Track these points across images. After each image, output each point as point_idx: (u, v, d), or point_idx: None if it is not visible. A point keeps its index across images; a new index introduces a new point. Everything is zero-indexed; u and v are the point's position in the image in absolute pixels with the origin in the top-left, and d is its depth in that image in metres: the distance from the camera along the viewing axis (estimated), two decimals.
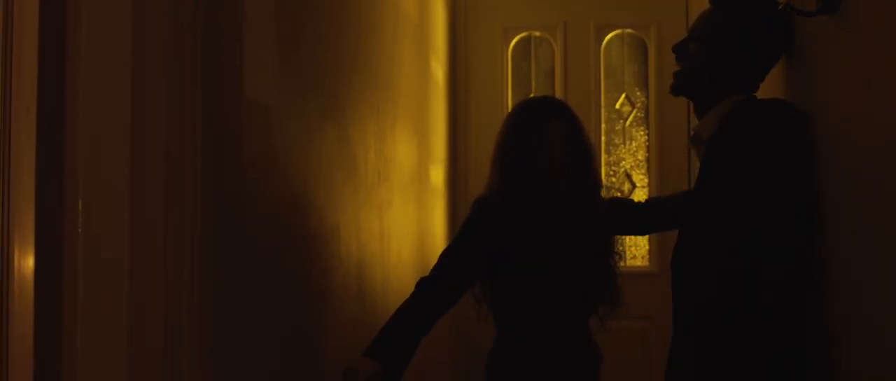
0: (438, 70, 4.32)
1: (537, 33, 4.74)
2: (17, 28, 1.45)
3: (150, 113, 1.35)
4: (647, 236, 4.56)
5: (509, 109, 2.87)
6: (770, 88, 2.54)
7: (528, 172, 2.38)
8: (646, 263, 4.60)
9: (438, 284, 2.29)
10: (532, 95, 2.78)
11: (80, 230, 1.37)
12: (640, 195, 4.64)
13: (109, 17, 1.34)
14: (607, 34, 4.70)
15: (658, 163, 4.59)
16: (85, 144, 1.36)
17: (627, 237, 4.59)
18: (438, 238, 4.19)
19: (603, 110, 4.68)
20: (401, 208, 3.24)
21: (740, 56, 2.09)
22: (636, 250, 4.64)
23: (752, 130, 1.96)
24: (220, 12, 1.48)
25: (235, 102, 1.60)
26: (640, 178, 4.67)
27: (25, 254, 1.41)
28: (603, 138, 4.64)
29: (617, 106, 4.72)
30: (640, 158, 4.69)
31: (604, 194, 2.54)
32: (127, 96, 1.34)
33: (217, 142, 1.49)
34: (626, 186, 4.63)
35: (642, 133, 4.69)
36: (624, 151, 4.69)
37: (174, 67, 1.37)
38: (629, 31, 4.71)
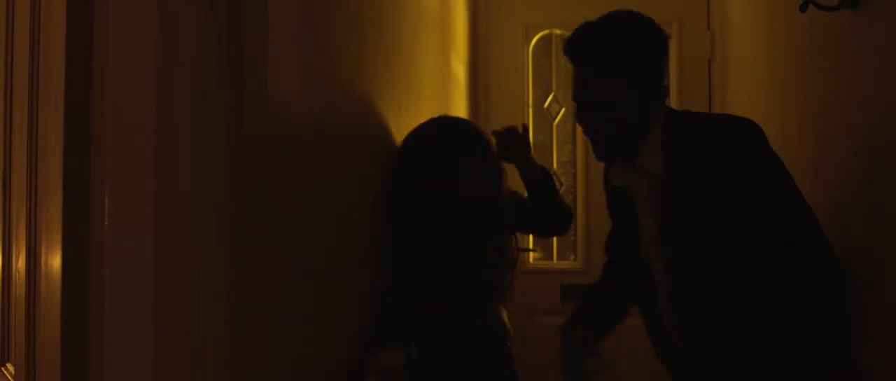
0: (459, 67, 4.32)
1: (558, 31, 4.73)
2: (44, 22, 1.46)
3: (176, 108, 1.36)
4: None
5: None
6: (789, 85, 2.53)
7: (447, 209, 2.51)
8: None
9: None
10: (447, 116, 2.93)
11: (106, 227, 1.38)
12: None
13: (136, 10, 1.35)
14: None
15: None
16: (112, 139, 1.36)
17: None
18: None
19: None
20: None
21: (662, 84, 2.04)
22: None
23: (742, 147, 1.91)
24: (245, 4, 1.49)
25: (260, 98, 1.61)
26: None
27: (53, 252, 1.42)
28: None
29: None
30: None
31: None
32: (153, 91, 1.34)
33: (241, 139, 1.50)
34: None
35: None
36: None
37: (200, 62, 1.37)
38: None
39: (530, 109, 4.76)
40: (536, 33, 4.76)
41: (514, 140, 2.66)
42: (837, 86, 1.99)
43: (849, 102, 1.90)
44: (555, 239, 4.66)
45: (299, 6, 1.86)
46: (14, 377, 1.70)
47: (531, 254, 4.62)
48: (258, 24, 1.58)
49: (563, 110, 4.72)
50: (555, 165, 4.70)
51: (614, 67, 1.98)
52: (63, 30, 1.33)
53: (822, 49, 2.12)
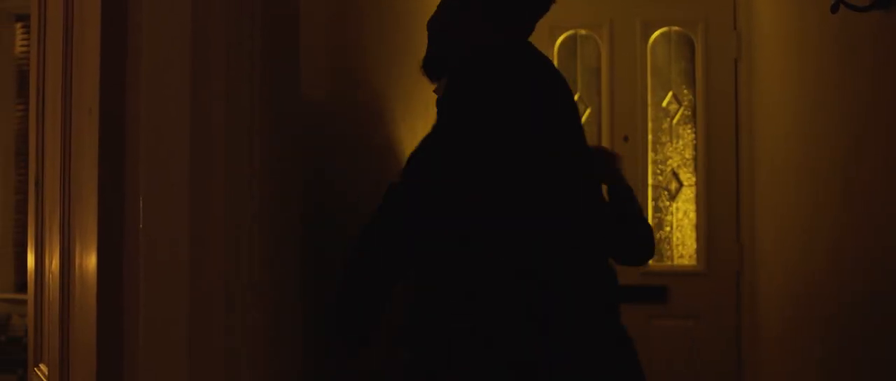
0: None
1: (583, 31, 4.72)
2: (77, 30, 1.48)
3: (211, 112, 1.36)
4: (694, 235, 4.54)
5: None
6: (819, 85, 2.51)
7: None
8: (693, 262, 4.56)
9: None
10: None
11: (141, 229, 1.39)
12: (687, 194, 4.60)
13: (170, 16, 1.36)
14: (654, 32, 4.67)
15: (706, 161, 4.55)
16: (146, 144, 1.37)
17: (675, 236, 4.58)
18: None
19: (649, 109, 4.65)
20: None
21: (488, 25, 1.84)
22: (683, 249, 4.61)
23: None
24: (277, 8, 1.49)
25: (292, 103, 1.61)
26: (688, 176, 4.63)
27: (88, 253, 1.43)
28: (649, 137, 4.62)
29: (663, 104, 4.68)
30: (687, 156, 4.65)
31: None
32: (187, 96, 1.35)
33: (275, 142, 1.51)
34: (674, 185, 4.60)
35: (689, 131, 4.65)
36: (671, 149, 4.66)
37: (233, 67, 1.38)
38: (676, 28, 4.67)
39: None
40: (561, 34, 4.75)
41: (600, 156, 2.40)
42: (870, 85, 1.98)
43: (882, 102, 1.89)
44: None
45: (328, 4, 1.86)
46: (47, 378, 1.72)
47: None
48: (290, 22, 1.58)
49: (588, 110, 4.71)
50: None
51: None
52: (97, 38, 1.34)
53: (853, 49, 2.10)
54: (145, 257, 1.38)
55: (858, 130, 2.09)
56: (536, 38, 5.01)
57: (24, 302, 3.23)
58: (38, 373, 1.82)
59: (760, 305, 4.02)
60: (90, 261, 1.41)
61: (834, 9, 1.92)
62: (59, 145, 1.53)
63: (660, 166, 4.65)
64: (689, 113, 4.65)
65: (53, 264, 1.65)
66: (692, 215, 4.59)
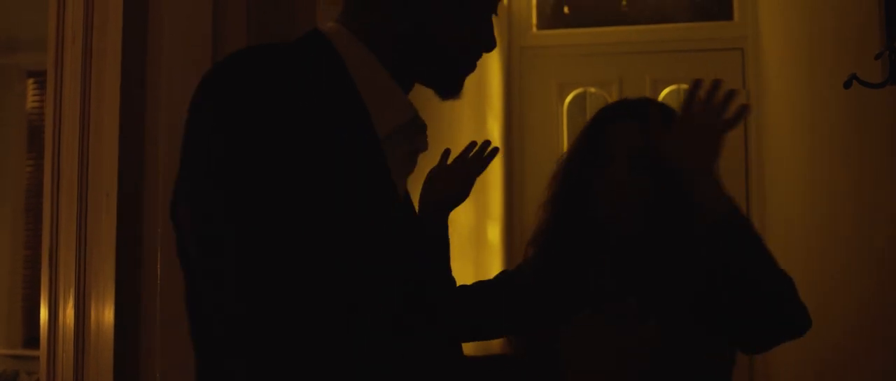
0: (494, 126, 4.33)
1: (592, 89, 4.74)
2: (94, 117, 1.48)
3: None
4: None
5: None
6: (829, 160, 2.51)
7: None
8: None
9: None
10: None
11: (159, 284, 1.39)
12: None
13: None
14: (663, 89, 4.68)
15: None
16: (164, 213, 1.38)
17: None
18: None
19: None
20: (458, 269, 3.22)
21: None
22: None
23: None
24: None
25: None
26: None
27: (104, 307, 1.43)
28: None
29: None
30: None
31: None
32: None
33: None
34: None
35: None
36: None
37: None
38: (685, 86, 4.66)
39: None
40: (571, 91, 4.76)
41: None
42: (883, 159, 1.98)
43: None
44: None
45: None
46: None
47: None
48: None
49: None
50: None
51: None
52: (116, 128, 1.34)
53: (866, 123, 2.10)
54: (162, 309, 1.38)
55: (873, 203, 2.08)
56: (545, 96, 4.99)
57: (33, 359, 3.19)
58: None
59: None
60: (107, 313, 1.40)
61: (847, 85, 1.92)
62: (75, 226, 1.53)
63: None
64: None
65: (67, 325, 1.64)
66: None
